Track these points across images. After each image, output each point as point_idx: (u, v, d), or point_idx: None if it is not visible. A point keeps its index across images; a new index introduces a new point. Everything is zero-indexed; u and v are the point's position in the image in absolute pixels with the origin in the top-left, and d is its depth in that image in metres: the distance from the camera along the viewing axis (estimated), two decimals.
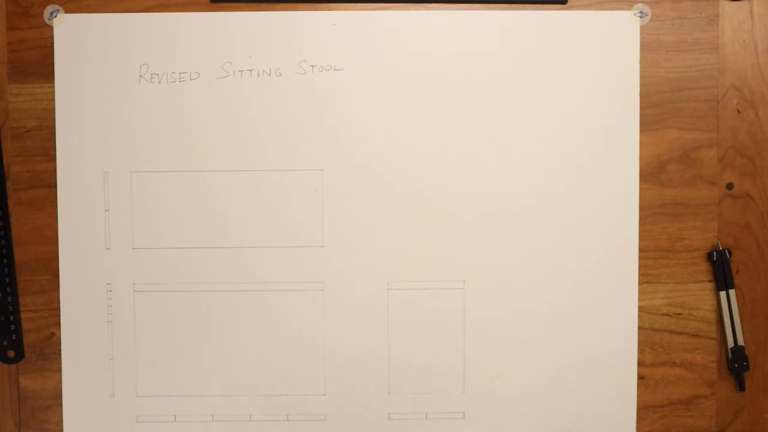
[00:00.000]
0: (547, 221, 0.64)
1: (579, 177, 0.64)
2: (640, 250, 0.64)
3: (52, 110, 0.64)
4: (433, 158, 0.64)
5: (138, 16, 0.63)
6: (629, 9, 0.64)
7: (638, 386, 0.65)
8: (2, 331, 0.64)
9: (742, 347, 0.65)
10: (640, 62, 0.64)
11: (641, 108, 0.64)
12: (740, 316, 0.65)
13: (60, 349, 0.65)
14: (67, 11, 0.63)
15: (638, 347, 0.65)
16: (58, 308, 0.64)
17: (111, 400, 0.65)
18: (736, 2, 0.64)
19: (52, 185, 0.64)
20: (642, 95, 0.64)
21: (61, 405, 0.65)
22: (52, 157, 0.64)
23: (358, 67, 0.63)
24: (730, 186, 0.65)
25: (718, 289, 0.65)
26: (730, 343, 0.65)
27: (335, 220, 0.64)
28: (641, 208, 0.64)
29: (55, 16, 0.63)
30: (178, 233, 0.64)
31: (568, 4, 0.63)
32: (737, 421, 0.66)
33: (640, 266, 0.65)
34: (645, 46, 0.64)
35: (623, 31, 0.64)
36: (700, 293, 0.65)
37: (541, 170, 0.64)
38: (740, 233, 0.65)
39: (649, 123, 0.64)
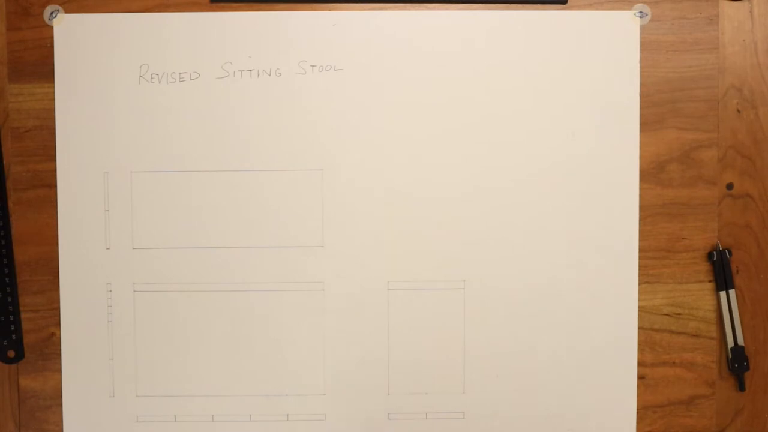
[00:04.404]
0: (547, 221, 0.64)
1: (579, 177, 0.64)
2: (640, 250, 0.64)
3: (52, 110, 0.64)
4: (434, 158, 0.64)
5: (138, 16, 0.63)
6: (629, 9, 0.64)
7: (638, 386, 0.65)
8: (2, 331, 0.64)
9: (742, 347, 0.65)
10: (640, 62, 0.64)
11: (641, 108, 0.64)
12: (740, 316, 0.65)
13: (60, 349, 0.65)
14: (67, 11, 0.63)
15: (638, 347, 0.65)
16: (58, 308, 0.64)
17: (111, 400, 0.65)
18: (736, 2, 0.64)
19: (52, 185, 0.64)
20: (642, 95, 0.64)
21: (61, 405, 0.65)
22: (52, 157, 0.64)
23: (358, 67, 0.63)
24: (730, 186, 0.65)
25: (718, 289, 0.65)
26: (730, 343, 0.65)
27: (335, 220, 0.64)
28: (641, 208, 0.64)
29: (55, 16, 0.63)
30: (178, 233, 0.64)
31: (568, 4, 0.63)
32: (737, 421, 0.66)
33: (640, 266, 0.65)
34: (645, 46, 0.64)
35: (623, 31, 0.64)
36: (700, 293, 0.65)
37: (541, 170, 0.64)
38: (740, 233, 0.65)
39: (649, 123, 0.64)
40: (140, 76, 0.63)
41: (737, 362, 0.65)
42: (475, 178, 0.64)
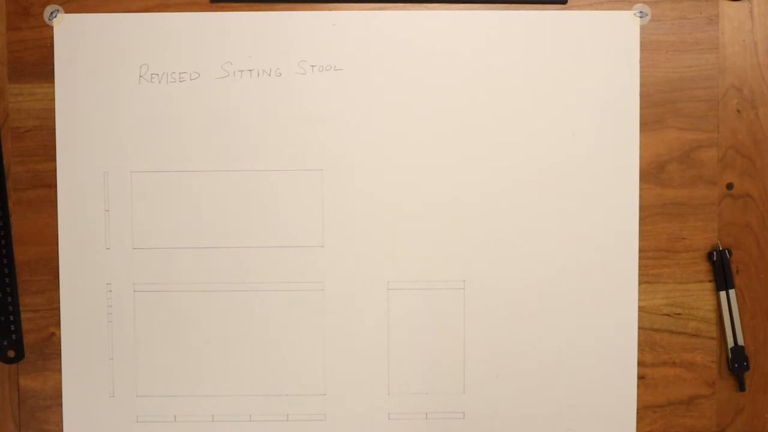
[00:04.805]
0: (547, 221, 0.64)
1: (579, 177, 0.64)
2: (640, 250, 0.64)
3: (52, 110, 0.64)
4: (434, 158, 0.64)
5: (138, 16, 0.63)
6: (629, 9, 0.64)
7: (638, 386, 0.65)
8: (2, 331, 0.64)
9: (742, 347, 0.65)
10: (640, 62, 0.64)
11: (641, 108, 0.64)
12: (740, 316, 0.65)
13: (60, 349, 0.65)
14: (67, 11, 0.63)
15: (638, 347, 0.65)
16: (58, 308, 0.64)
17: (111, 400, 0.65)
18: (736, 2, 0.64)
19: (52, 185, 0.64)
20: (642, 95, 0.64)
21: (61, 405, 0.65)
22: (52, 157, 0.64)
23: (358, 67, 0.63)
24: (730, 186, 0.65)
25: (718, 289, 0.65)
26: (730, 343, 0.65)
27: (335, 220, 0.64)
28: (641, 208, 0.64)
29: (55, 16, 0.63)
30: (178, 233, 0.64)
31: (568, 4, 0.63)
32: (737, 421, 0.66)
33: (640, 266, 0.65)
34: (645, 46, 0.64)
35: (623, 31, 0.64)
36: (700, 293, 0.65)
37: (541, 170, 0.64)
38: (740, 233, 0.65)
39: (649, 123, 0.64)
40: (140, 76, 0.63)
41: (737, 362, 0.65)
42: (474, 178, 0.64)
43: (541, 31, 0.63)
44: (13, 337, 0.65)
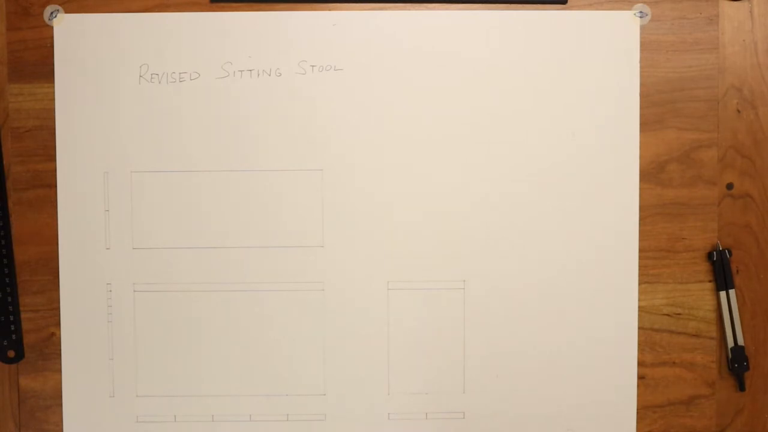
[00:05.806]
0: (547, 221, 0.64)
1: (579, 177, 0.64)
2: (640, 250, 0.64)
3: (52, 110, 0.64)
4: (434, 158, 0.64)
5: (138, 16, 0.63)
6: (629, 9, 0.64)
7: (638, 386, 0.65)
8: (2, 331, 0.64)
9: (742, 347, 0.65)
10: (640, 62, 0.64)
11: (641, 108, 0.64)
12: (740, 316, 0.65)
13: (60, 349, 0.65)
14: (67, 11, 0.63)
15: (638, 347, 0.65)
16: (58, 308, 0.64)
17: (111, 400, 0.65)
18: (736, 2, 0.64)
19: (52, 185, 0.64)
20: (642, 95, 0.64)
21: (61, 405, 0.65)
22: (52, 157, 0.64)
23: (358, 67, 0.63)
24: (730, 186, 0.65)
25: (718, 289, 0.65)
26: (730, 343, 0.65)
27: (335, 220, 0.64)
28: (641, 208, 0.64)
29: (55, 16, 0.63)
30: (177, 233, 0.64)
31: (568, 4, 0.63)
32: (737, 421, 0.66)
33: (640, 266, 0.65)
34: (645, 46, 0.64)
35: (623, 31, 0.64)
36: (700, 293, 0.65)
37: (541, 170, 0.64)
38: (740, 233, 0.65)
39: (649, 123, 0.64)
40: (140, 76, 0.63)
41: (737, 362, 0.65)
42: (474, 178, 0.64)
43: (541, 31, 0.63)
44: (13, 337, 0.65)
